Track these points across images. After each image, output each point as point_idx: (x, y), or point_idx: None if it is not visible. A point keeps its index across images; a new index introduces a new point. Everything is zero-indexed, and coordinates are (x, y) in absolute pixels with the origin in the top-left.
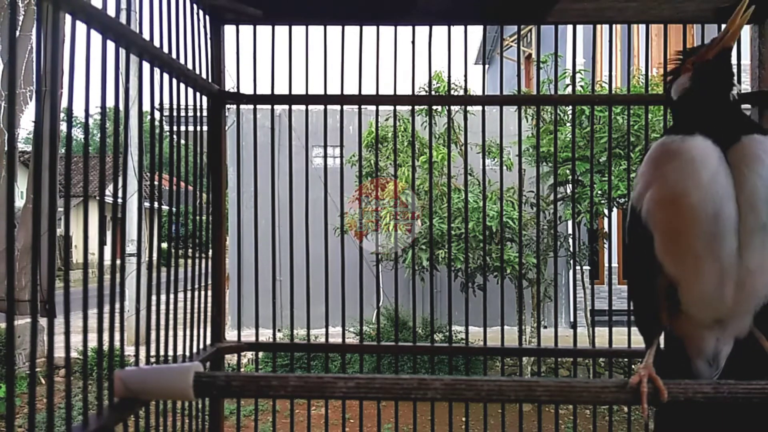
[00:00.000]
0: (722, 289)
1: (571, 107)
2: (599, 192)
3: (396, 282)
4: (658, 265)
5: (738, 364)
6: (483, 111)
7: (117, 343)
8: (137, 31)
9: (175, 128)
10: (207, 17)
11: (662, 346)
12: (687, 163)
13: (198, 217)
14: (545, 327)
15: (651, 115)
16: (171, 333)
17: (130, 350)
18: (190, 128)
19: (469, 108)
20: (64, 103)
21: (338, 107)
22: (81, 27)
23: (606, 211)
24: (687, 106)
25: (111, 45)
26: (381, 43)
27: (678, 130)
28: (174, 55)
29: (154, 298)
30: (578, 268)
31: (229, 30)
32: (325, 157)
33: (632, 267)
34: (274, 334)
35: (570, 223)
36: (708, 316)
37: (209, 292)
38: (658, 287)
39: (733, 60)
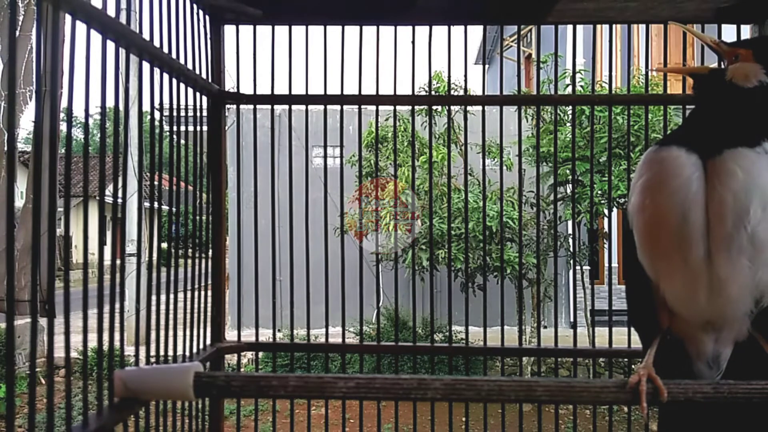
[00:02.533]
0: (695, 294)
1: (571, 107)
2: (599, 192)
3: (396, 282)
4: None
5: (739, 366)
6: (483, 111)
7: (117, 343)
8: (137, 31)
9: (175, 128)
10: (207, 17)
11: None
12: (659, 173)
13: (198, 217)
14: (545, 327)
15: (651, 115)
16: (171, 333)
17: (130, 350)
18: (190, 128)
19: (469, 108)
20: (64, 103)
21: (338, 107)
22: (81, 27)
23: (606, 211)
24: (692, 110)
25: (111, 45)
26: (381, 43)
27: (664, 140)
28: (174, 55)
29: (154, 298)
30: (578, 268)
31: (229, 30)
32: (325, 157)
33: (626, 268)
34: (274, 334)
35: (570, 223)
36: (693, 318)
37: (209, 292)
38: (653, 288)
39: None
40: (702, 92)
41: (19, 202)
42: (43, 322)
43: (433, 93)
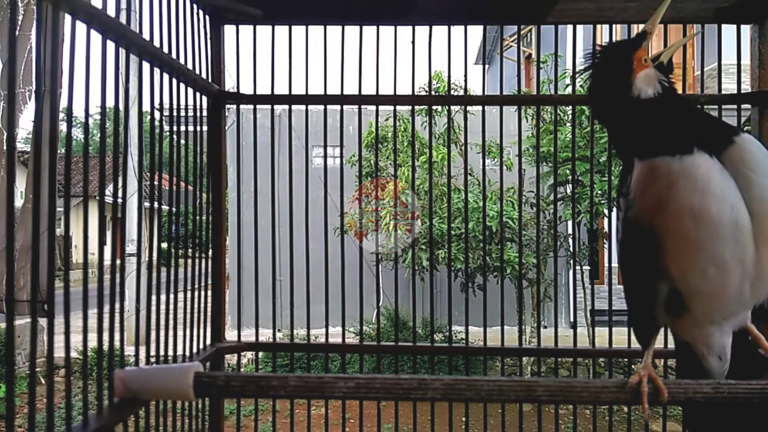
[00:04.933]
0: (741, 292)
1: (571, 107)
2: (599, 192)
3: (396, 282)
4: (668, 278)
5: (739, 353)
6: (483, 111)
7: (117, 343)
8: (137, 31)
9: (175, 128)
10: (207, 17)
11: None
12: (697, 180)
13: (198, 217)
14: (545, 327)
15: None
16: (171, 333)
17: (130, 350)
18: (190, 128)
19: (469, 108)
20: (63, 103)
21: (338, 107)
22: (81, 27)
23: (606, 211)
24: (659, 108)
25: (111, 45)
26: (381, 43)
27: (661, 145)
28: (174, 55)
29: (154, 298)
30: (578, 268)
31: (229, 30)
32: (325, 157)
33: (626, 269)
34: (274, 334)
35: (570, 223)
36: (720, 317)
37: (209, 292)
38: (657, 296)
39: (733, 60)
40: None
41: (18, 202)
42: (43, 322)
43: (433, 93)
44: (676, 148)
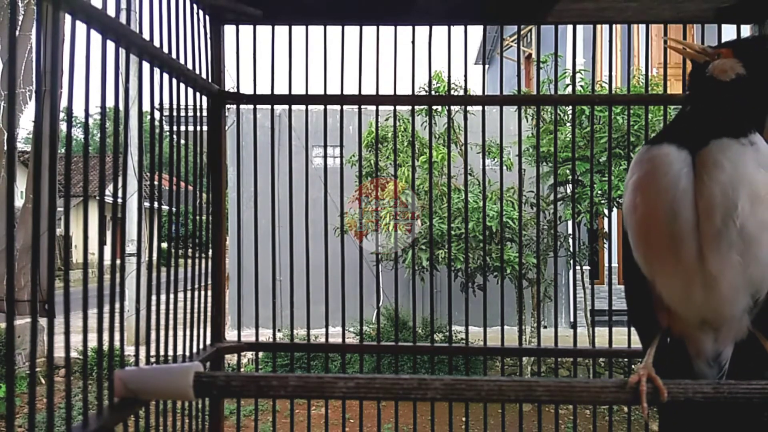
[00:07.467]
0: (690, 292)
1: (571, 107)
2: (599, 192)
3: (396, 282)
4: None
5: (742, 366)
6: (483, 111)
7: (117, 343)
8: (137, 31)
9: (175, 128)
10: (207, 17)
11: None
12: (650, 172)
13: (198, 217)
14: (545, 327)
15: (651, 115)
16: (171, 333)
17: (130, 350)
18: (190, 128)
19: (469, 108)
20: (64, 103)
21: (338, 107)
22: (81, 27)
23: (606, 211)
24: (682, 107)
25: (111, 45)
26: (381, 43)
27: (655, 138)
28: (174, 55)
29: (154, 298)
30: (578, 268)
31: (229, 30)
32: (325, 157)
33: (625, 268)
34: (274, 334)
35: (570, 223)
36: (690, 316)
37: (209, 292)
38: (650, 287)
39: None
40: (690, 87)
41: (18, 202)
42: (43, 322)
43: (433, 93)
44: (652, 140)
